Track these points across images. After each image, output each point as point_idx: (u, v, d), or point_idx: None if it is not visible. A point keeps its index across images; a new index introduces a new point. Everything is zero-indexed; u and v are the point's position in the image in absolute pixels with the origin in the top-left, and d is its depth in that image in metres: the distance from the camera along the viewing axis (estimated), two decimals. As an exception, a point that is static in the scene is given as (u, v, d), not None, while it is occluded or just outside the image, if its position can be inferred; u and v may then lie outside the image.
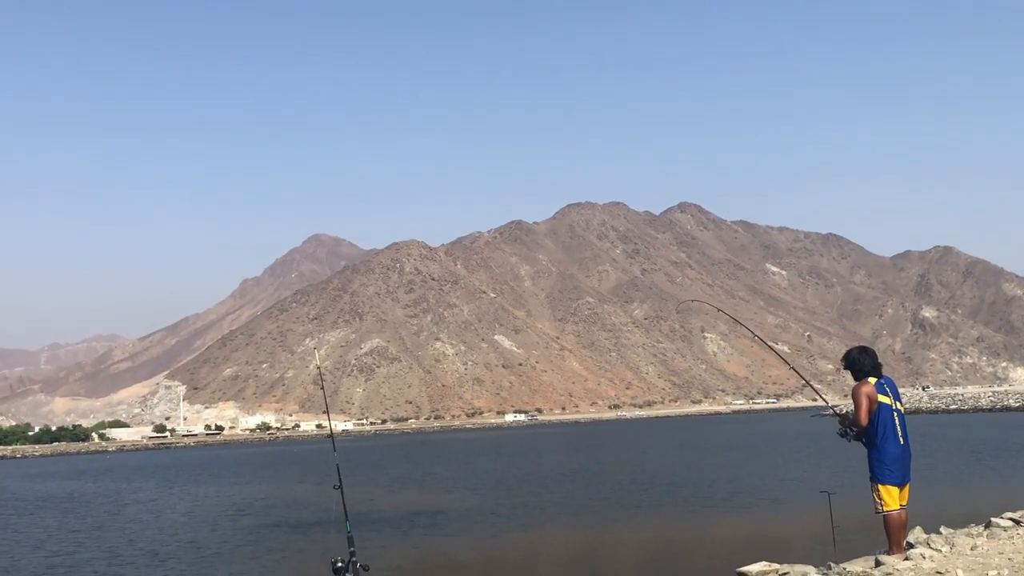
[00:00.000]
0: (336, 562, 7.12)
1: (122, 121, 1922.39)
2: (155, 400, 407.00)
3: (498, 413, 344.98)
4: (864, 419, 10.27)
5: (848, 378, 10.90)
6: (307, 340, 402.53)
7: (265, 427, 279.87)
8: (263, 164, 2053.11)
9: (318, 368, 9.99)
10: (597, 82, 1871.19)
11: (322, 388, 8.41)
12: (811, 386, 11.96)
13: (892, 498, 10.20)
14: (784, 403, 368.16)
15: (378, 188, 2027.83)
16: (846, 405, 10.57)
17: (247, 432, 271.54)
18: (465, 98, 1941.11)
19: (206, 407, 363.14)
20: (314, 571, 20.25)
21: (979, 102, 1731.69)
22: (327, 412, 8.89)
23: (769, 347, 14.52)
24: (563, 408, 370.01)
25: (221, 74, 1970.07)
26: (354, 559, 7.11)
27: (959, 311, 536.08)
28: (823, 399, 11.18)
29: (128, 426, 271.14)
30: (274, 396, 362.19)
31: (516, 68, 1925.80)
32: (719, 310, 15.54)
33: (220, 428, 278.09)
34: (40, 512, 44.98)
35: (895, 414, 10.44)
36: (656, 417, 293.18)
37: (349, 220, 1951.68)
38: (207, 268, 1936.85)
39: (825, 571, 9.51)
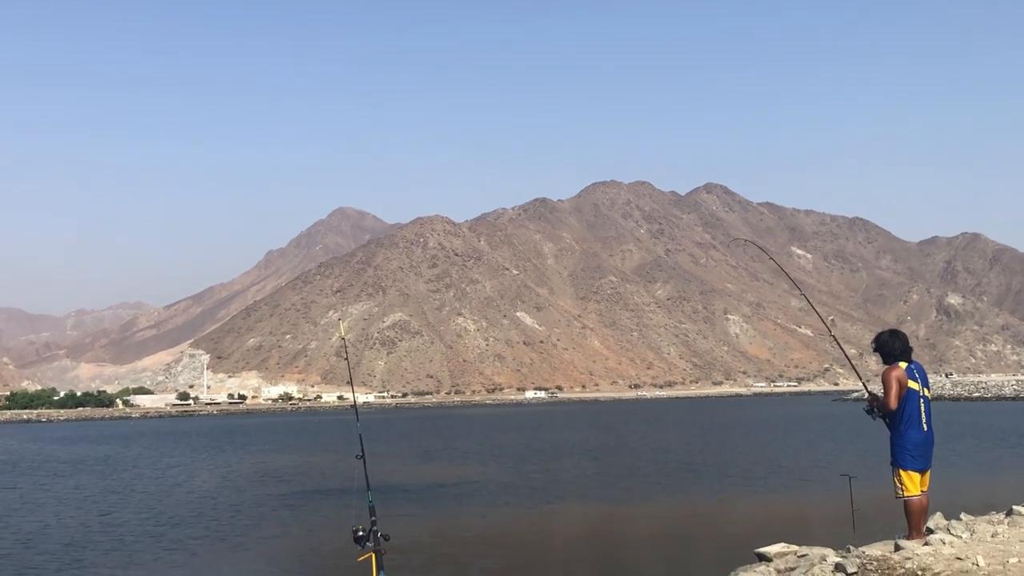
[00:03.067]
0: (358, 531, 7.18)
1: (153, 88, 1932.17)
2: (179, 368, 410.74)
3: (518, 390, 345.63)
4: (894, 403, 10.20)
5: (871, 362, 10.89)
6: (330, 312, 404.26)
7: (287, 397, 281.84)
8: (291, 136, 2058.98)
9: (342, 339, 10.08)
10: (625, 61, 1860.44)
11: (346, 359, 8.46)
12: (853, 367, 11.90)
13: (913, 484, 10.16)
14: (805, 387, 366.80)
15: (404, 163, 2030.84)
16: (876, 388, 10.50)
17: (269, 402, 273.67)
18: (493, 75, 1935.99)
19: (229, 376, 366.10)
20: (336, 539, 20.43)
21: (1011, 88, 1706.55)
22: (351, 383, 8.95)
23: (825, 326, 14.38)
24: (583, 386, 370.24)
25: (249, 43, 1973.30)
26: (375, 528, 7.17)
27: (985, 299, 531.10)
28: (863, 382, 11.09)
29: (152, 393, 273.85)
30: (296, 367, 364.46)
31: (545, 45, 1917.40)
32: (770, 257, 15.31)
33: (243, 397, 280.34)
34: (78, 475, 45.85)
35: (921, 400, 10.36)
36: (676, 398, 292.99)
37: (374, 194, 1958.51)
38: (233, 238, 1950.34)
39: (844, 554, 9.50)
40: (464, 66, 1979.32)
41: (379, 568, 6.99)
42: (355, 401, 9.22)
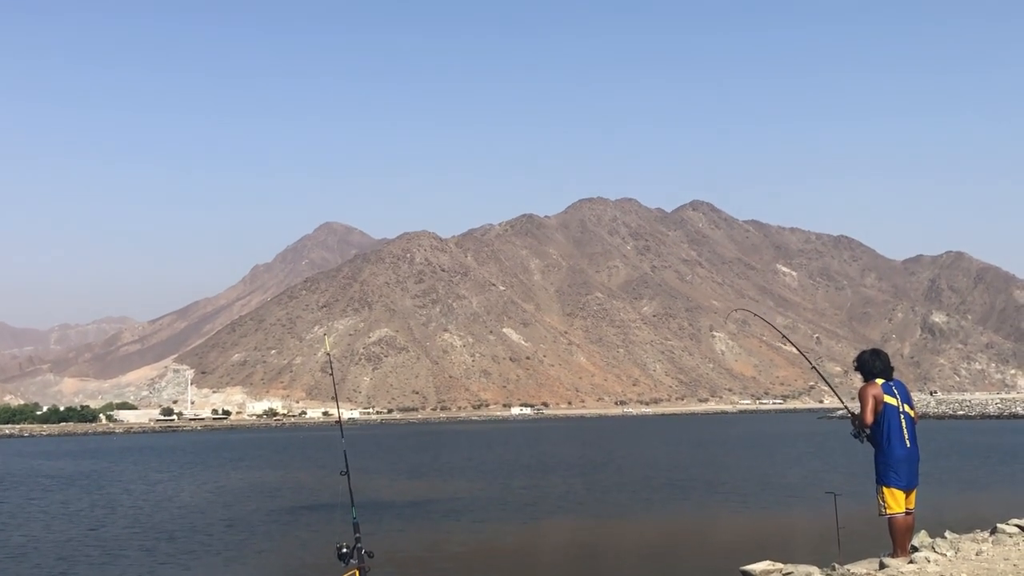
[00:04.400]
0: (341, 547, 7.15)
1: (137, 101, 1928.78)
2: (163, 383, 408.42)
3: (504, 406, 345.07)
4: (869, 418, 10.23)
5: (856, 381, 10.86)
6: (316, 328, 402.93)
7: (272, 413, 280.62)
8: (277, 150, 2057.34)
9: (327, 354, 10.08)
10: (612, 77, 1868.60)
11: (331, 374, 8.43)
12: (831, 388, 11.93)
13: (897, 502, 10.16)
14: (790, 404, 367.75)
15: (390, 178, 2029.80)
16: (856, 407, 10.55)
17: (254, 417, 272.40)
18: (479, 90, 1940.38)
19: (214, 391, 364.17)
20: (320, 556, 20.33)
21: (995, 106, 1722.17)
22: (335, 398, 8.88)
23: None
24: (569, 403, 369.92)
25: (237, 59, 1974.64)
26: (359, 545, 7.13)
27: (969, 317, 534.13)
28: (840, 400, 11.15)
29: (136, 408, 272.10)
30: (281, 382, 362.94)
31: (531, 61, 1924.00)
32: (768, 322, 15.41)
33: (227, 413, 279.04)
34: (66, 489, 45.82)
35: (902, 417, 10.38)
36: (662, 415, 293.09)
37: (361, 209, 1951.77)
38: (218, 253, 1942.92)
39: (829, 572, 9.50)
40: (452, 82, 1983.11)
41: (363, 585, 6.95)
42: (340, 417, 9.20)
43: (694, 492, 35.57)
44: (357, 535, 7.24)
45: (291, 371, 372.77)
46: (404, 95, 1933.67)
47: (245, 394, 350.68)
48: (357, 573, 7.04)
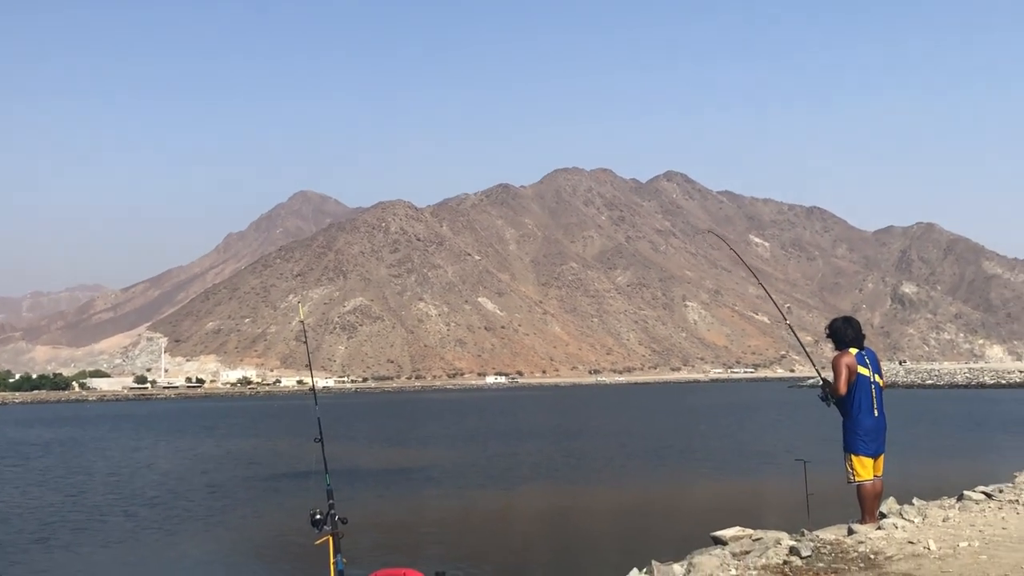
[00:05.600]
0: (315, 514, 7.15)
1: (111, 70, 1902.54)
2: (136, 351, 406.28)
3: (479, 375, 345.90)
4: (843, 388, 10.31)
5: (827, 350, 10.92)
6: (290, 296, 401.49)
7: (246, 381, 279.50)
8: (252, 118, 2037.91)
9: (301, 323, 9.99)
10: (588, 48, 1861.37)
11: (305, 343, 8.41)
12: (807, 354, 11.99)
13: (865, 468, 10.29)
14: (761, 373, 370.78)
15: (366, 147, 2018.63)
16: (829, 375, 10.62)
17: (228, 386, 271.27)
18: (456, 59, 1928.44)
19: (187, 360, 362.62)
20: (294, 522, 20.38)
21: (965, 80, 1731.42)
22: (309, 367, 8.88)
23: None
24: (543, 372, 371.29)
25: (212, 26, 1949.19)
26: (333, 511, 7.14)
27: (939, 288, 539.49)
28: (814, 367, 11.24)
29: (109, 376, 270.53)
30: (256, 351, 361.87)
31: (507, 31, 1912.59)
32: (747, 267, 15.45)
33: (201, 381, 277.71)
34: (42, 457, 45.66)
35: (873, 386, 10.49)
36: (635, 383, 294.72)
37: (336, 178, 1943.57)
38: (192, 221, 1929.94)
39: (799, 538, 9.62)
40: (426, 51, 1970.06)
41: (336, 551, 6.97)
42: (313, 385, 9.20)
43: (667, 459, 35.88)
44: (331, 501, 7.26)
45: (265, 340, 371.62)
46: (379, 65, 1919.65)
47: (219, 363, 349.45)
48: (331, 539, 7.05)
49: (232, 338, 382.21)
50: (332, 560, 6.96)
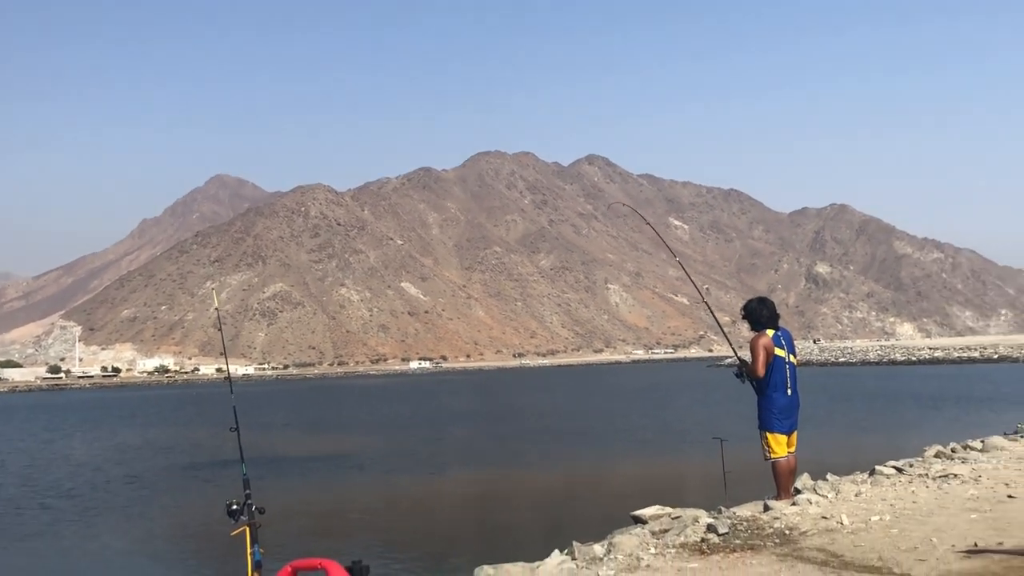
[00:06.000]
0: (231, 505, 7.00)
1: (27, 51, 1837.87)
2: (49, 340, 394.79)
3: (403, 360, 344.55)
4: (761, 371, 10.48)
5: (743, 329, 11.06)
6: (208, 283, 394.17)
7: (164, 370, 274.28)
8: (166, 100, 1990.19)
9: (216, 310, 9.81)
10: (508, 29, 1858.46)
11: (219, 330, 8.23)
12: (725, 334, 12.17)
13: (780, 446, 10.51)
14: (681, 353, 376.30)
15: (283, 130, 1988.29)
16: (746, 355, 10.79)
17: (145, 375, 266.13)
18: (377, 41, 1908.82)
19: (103, 348, 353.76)
20: (210, 513, 20.08)
21: (876, 66, 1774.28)
22: (224, 354, 8.73)
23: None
24: (468, 356, 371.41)
25: (123, 8, 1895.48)
26: (249, 501, 6.99)
27: (851, 267, 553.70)
28: (732, 348, 11.40)
29: (21, 366, 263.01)
30: (173, 339, 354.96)
31: (427, 14, 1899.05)
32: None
33: (117, 370, 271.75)
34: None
35: (787, 366, 10.69)
36: (559, 366, 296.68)
37: (253, 162, 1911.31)
38: (105, 207, 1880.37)
39: (716, 515, 9.79)
40: (344, 33, 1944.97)
41: (253, 542, 6.83)
42: (228, 374, 9.04)
43: (591, 441, 36.22)
44: (247, 491, 7.11)
45: (183, 327, 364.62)
46: (296, 46, 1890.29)
47: (135, 351, 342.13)
48: (248, 529, 6.92)
49: (148, 326, 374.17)
50: (249, 551, 6.82)
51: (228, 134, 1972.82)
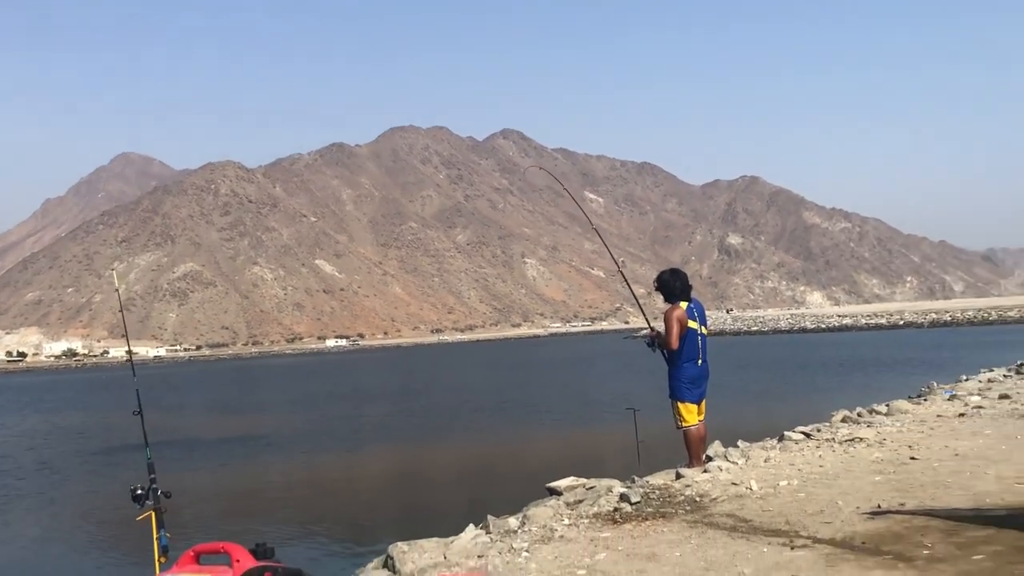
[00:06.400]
0: (136, 489, 6.85)
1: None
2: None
3: (319, 339, 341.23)
4: (675, 343, 10.57)
5: (657, 301, 11.15)
6: (116, 263, 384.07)
7: (72, 354, 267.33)
8: (67, 74, 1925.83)
9: (117, 291, 9.48)
10: (420, 5, 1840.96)
11: (121, 311, 8.01)
12: (639, 306, 12.23)
13: (691, 414, 10.66)
14: (598, 326, 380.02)
15: (191, 106, 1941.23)
16: (661, 326, 10.89)
17: (52, 359, 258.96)
18: (285, 15, 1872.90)
19: (7, 333, 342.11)
20: (115, 499, 19.64)
21: (784, 42, 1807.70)
22: (126, 336, 8.51)
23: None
24: (385, 333, 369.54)
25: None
26: (155, 486, 6.85)
27: (762, 238, 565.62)
28: (647, 321, 11.46)
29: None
30: (81, 321, 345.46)
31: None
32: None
33: (23, 355, 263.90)
34: None
35: (699, 337, 10.83)
36: (477, 341, 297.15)
37: (160, 139, 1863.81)
38: (6, 186, 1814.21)
39: (629, 484, 9.89)
40: (252, 5, 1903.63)
41: (160, 526, 6.70)
42: (130, 355, 8.82)
43: (509, 414, 36.37)
44: (152, 475, 6.96)
45: (91, 309, 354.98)
46: (206, 18, 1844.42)
47: (42, 335, 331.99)
48: (153, 514, 6.77)
49: (55, 309, 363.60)
50: (156, 536, 6.69)
51: (134, 111, 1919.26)
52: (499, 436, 29.31)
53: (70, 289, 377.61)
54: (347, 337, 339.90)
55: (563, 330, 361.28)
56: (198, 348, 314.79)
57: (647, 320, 11.63)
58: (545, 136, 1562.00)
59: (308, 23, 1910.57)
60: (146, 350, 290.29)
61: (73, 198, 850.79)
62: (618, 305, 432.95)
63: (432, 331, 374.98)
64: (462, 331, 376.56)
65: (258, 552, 5.17)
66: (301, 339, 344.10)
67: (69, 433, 40.95)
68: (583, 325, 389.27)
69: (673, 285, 10.95)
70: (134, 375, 7.98)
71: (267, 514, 18.52)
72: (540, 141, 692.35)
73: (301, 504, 19.67)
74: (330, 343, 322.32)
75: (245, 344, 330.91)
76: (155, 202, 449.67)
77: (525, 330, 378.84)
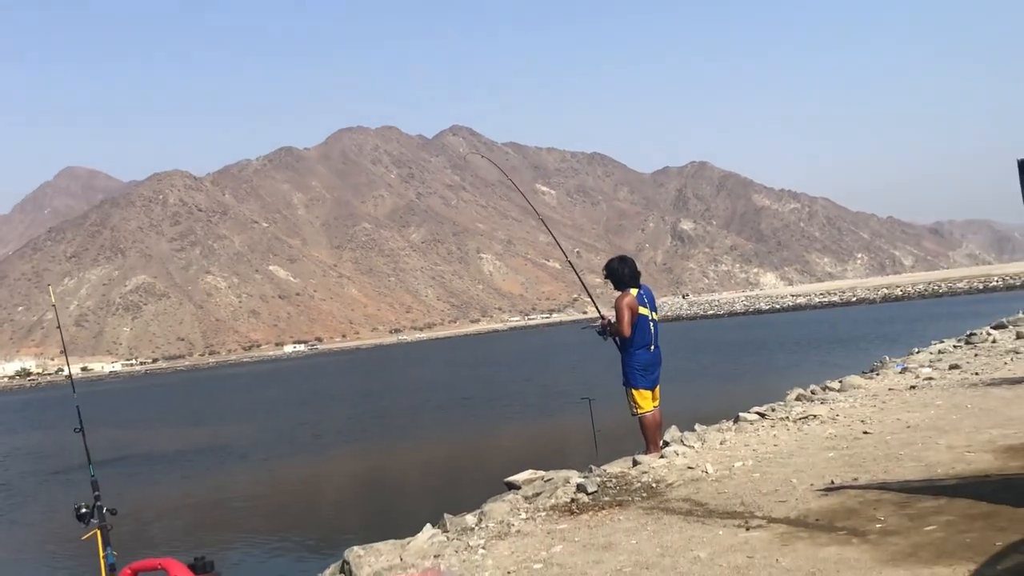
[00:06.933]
0: (80, 508, 6.69)
1: None
2: None
3: (276, 345, 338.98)
4: (627, 330, 10.58)
5: (611, 289, 11.16)
6: (66, 279, 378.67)
7: (26, 373, 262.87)
8: (6, 91, 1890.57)
9: (54, 307, 9.22)
10: (364, 7, 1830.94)
11: (58, 327, 7.82)
12: (590, 296, 12.28)
13: (646, 400, 10.67)
14: (556, 317, 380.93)
15: (134, 116, 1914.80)
16: (612, 314, 10.89)
17: (6, 379, 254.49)
18: (229, 20, 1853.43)
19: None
20: (58, 519, 19.31)
21: (728, 30, 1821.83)
22: (64, 352, 8.37)
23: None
24: (344, 336, 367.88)
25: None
26: (99, 504, 6.69)
27: (714, 222, 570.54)
28: (598, 311, 11.47)
29: None
30: (33, 340, 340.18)
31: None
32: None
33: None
34: None
35: (651, 323, 10.85)
36: (436, 338, 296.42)
37: (105, 151, 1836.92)
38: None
39: (587, 474, 9.88)
40: (198, 11, 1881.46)
41: (106, 544, 6.54)
42: (70, 372, 8.62)
43: (469, 410, 36.31)
44: (96, 493, 6.81)
45: (42, 327, 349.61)
46: (144, 26, 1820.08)
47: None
48: (99, 532, 6.62)
49: (5, 328, 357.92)
50: (102, 554, 6.54)
51: (75, 125, 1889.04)
52: (460, 433, 29.22)
53: (20, 308, 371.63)
54: (305, 342, 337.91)
55: (523, 323, 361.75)
56: (154, 361, 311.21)
57: (598, 309, 11.64)
58: (495, 131, 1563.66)
59: (250, 25, 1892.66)
60: (101, 366, 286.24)
61: (19, 215, 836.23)
62: (575, 296, 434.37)
63: (391, 331, 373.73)
64: (421, 330, 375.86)
65: (196, 567, 5.18)
66: (259, 346, 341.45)
67: (27, 453, 40.24)
68: (542, 317, 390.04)
69: (622, 272, 10.98)
70: (74, 391, 7.80)
71: (227, 526, 18.28)
72: (490, 136, 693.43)
73: (262, 513, 19.45)
74: (288, 349, 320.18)
75: (202, 354, 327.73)
76: (103, 215, 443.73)
77: (484, 325, 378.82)
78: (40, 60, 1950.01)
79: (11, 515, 22.80)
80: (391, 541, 8.48)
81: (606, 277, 11.23)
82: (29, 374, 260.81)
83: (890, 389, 14.51)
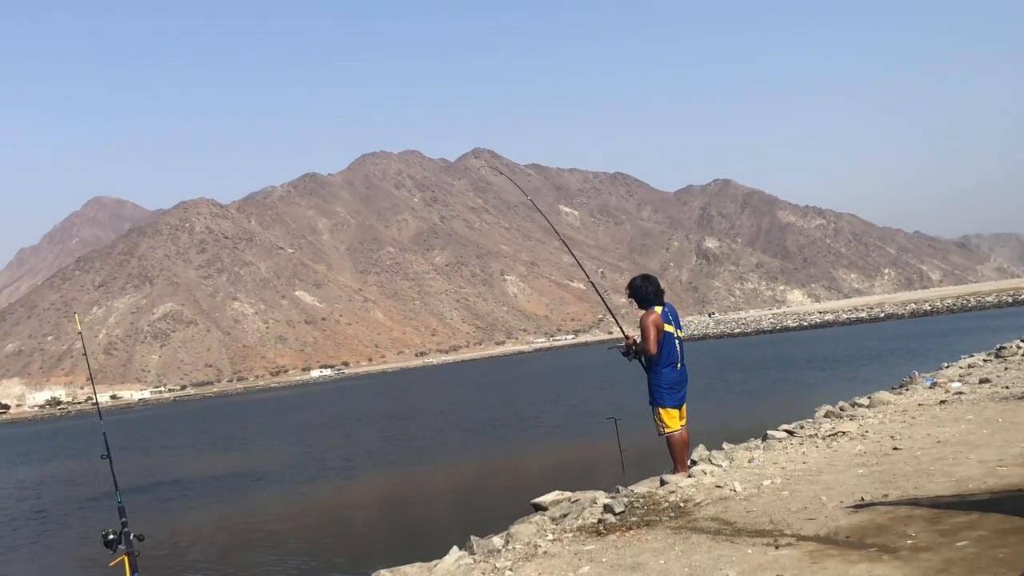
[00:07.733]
0: (108, 534, 6.75)
1: None
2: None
3: (303, 370, 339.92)
4: (653, 348, 10.55)
5: (637, 309, 11.12)
6: (94, 309, 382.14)
7: (56, 402, 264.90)
8: (34, 121, 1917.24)
9: (80, 334, 9.37)
10: (383, 29, 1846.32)
11: (84, 355, 7.92)
12: (613, 316, 12.25)
13: (673, 419, 10.61)
14: (582, 338, 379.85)
15: (161, 146, 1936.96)
16: (637, 334, 10.88)
17: (36, 409, 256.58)
18: (250, 48, 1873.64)
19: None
20: (86, 546, 19.37)
21: (752, 45, 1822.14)
22: (91, 379, 8.47)
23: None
24: (370, 359, 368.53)
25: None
26: (126, 529, 6.75)
27: (739, 240, 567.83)
28: (622, 330, 11.45)
29: None
30: (63, 369, 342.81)
31: (304, 16, 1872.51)
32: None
33: (6, 406, 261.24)
34: None
35: (676, 341, 10.81)
36: (462, 361, 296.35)
37: (132, 180, 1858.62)
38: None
39: (614, 495, 9.82)
40: (220, 42, 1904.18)
41: (133, 570, 6.60)
42: (96, 399, 8.71)
43: (495, 432, 36.19)
44: (123, 519, 6.88)
45: (72, 356, 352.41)
46: (166, 56, 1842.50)
47: (24, 385, 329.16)
48: (126, 558, 6.67)
49: (36, 358, 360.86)
50: (131, 580, 6.59)
51: (103, 154, 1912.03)
52: (486, 455, 29.16)
53: (50, 337, 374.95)
54: (332, 366, 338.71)
55: (548, 344, 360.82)
56: (183, 388, 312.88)
57: (622, 329, 11.60)
58: (517, 153, 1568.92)
59: (274, 55, 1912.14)
60: (131, 393, 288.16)
61: (48, 246, 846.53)
62: (601, 316, 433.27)
63: (416, 355, 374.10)
64: (446, 352, 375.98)
65: None
66: (286, 372, 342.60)
67: (61, 481, 40.57)
68: (568, 338, 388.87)
69: (646, 290, 10.95)
70: (100, 418, 7.86)
71: (260, 549, 18.29)
72: (512, 158, 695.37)
73: (294, 537, 19.45)
74: (315, 374, 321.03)
75: (230, 380, 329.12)
76: (130, 244, 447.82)
77: (510, 347, 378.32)
78: (68, 92, 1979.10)
79: (46, 541, 22.96)
80: (418, 564, 8.48)
81: (630, 296, 11.20)
82: (59, 403, 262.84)
83: (920, 404, 14.37)
